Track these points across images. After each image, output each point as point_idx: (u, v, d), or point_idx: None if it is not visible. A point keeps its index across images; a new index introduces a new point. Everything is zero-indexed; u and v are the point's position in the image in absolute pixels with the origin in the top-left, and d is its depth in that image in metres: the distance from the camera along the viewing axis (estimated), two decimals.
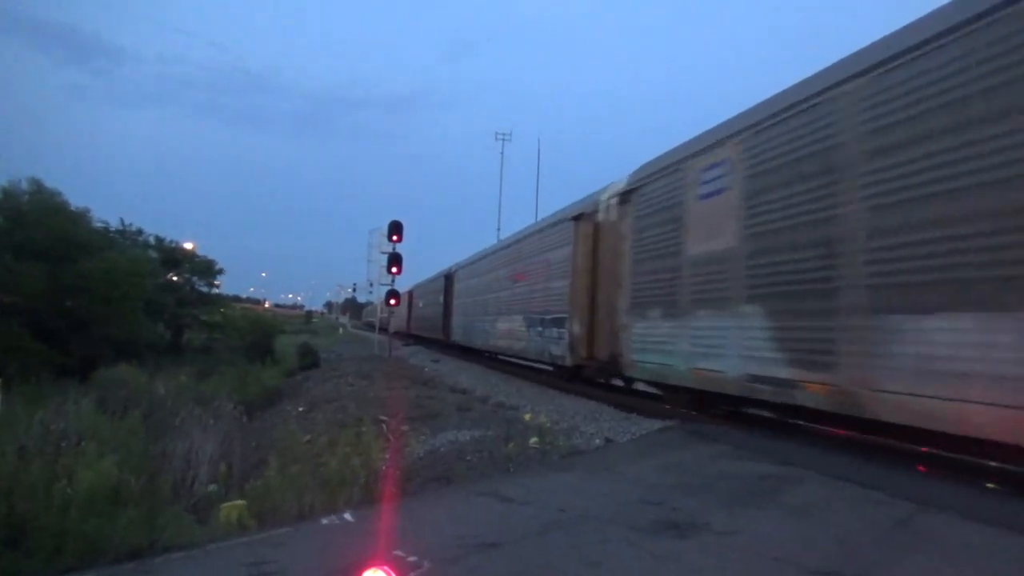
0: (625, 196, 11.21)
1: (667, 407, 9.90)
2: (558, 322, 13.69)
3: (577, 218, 13.05)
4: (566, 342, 13.10)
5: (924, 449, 6.53)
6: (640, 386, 11.76)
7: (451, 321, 27.35)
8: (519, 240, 18.51)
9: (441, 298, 29.54)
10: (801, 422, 8.42)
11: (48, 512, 5.93)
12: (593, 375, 13.04)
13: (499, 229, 42.29)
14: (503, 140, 48.20)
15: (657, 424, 8.66)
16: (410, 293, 42.51)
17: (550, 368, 15.32)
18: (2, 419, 10.98)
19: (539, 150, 47.73)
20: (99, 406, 12.37)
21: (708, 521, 4.31)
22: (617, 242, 11.31)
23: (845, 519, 4.39)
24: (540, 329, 15.05)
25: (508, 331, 18.04)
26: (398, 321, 47.97)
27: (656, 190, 10.19)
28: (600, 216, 12.35)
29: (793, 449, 6.85)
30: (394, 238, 23.67)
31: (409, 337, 42.20)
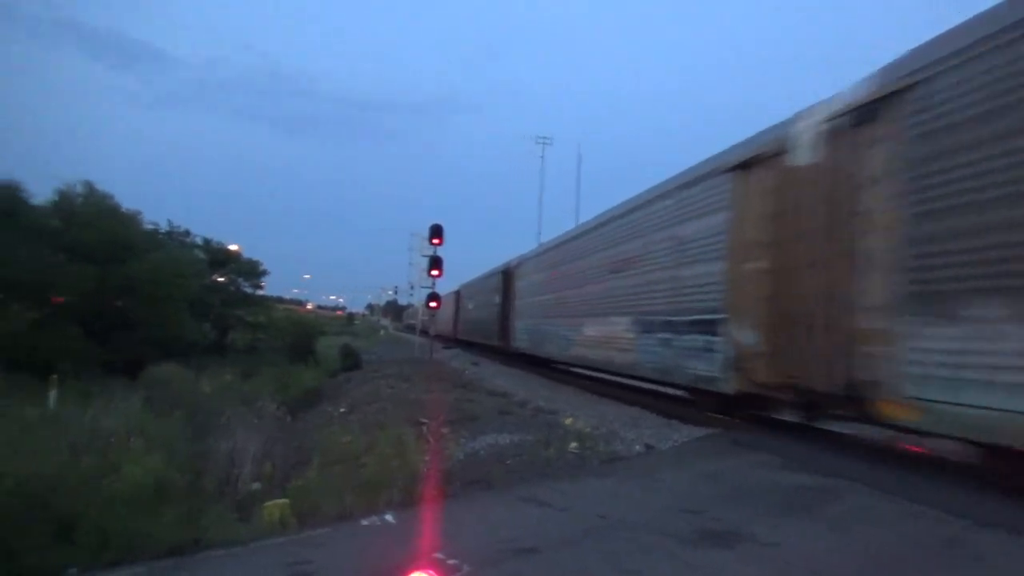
0: (870, 109, 6.66)
1: (710, 414, 9.68)
2: (703, 326, 9.32)
3: (744, 167, 8.83)
4: (720, 356, 8.74)
5: (976, 463, 6.29)
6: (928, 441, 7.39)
7: (512, 325, 23.52)
8: (621, 215, 13.68)
9: (497, 298, 25.94)
10: (846, 432, 8.20)
11: (95, 507, 6.07)
12: (783, 409, 8.64)
13: (539, 233, 42.23)
14: (543, 144, 48.17)
15: (699, 432, 8.53)
16: (457, 294, 39.71)
17: (682, 393, 11.02)
18: (54, 416, 11.31)
19: (579, 158, 47.61)
20: (146, 404, 12.68)
21: (749, 532, 4.21)
22: (843, 193, 7.01)
23: (890, 535, 4.26)
24: (664, 336, 10.67)
25: (603, 338, 13.70)
26: (442, 324, 44.65)
27: (978, 78, 5.39)
28: (794, 158, 7.92)
29: (837, 460, 6.67)
30: (435, 241, 23.76)
31: (456, 343, 38.41)
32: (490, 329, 27.11)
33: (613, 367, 13.38)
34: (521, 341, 21.74)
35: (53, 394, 14.21)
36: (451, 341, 39.80)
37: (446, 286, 39.81)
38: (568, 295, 16.56)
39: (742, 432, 8.37)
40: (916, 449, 7.26)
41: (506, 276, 25.13)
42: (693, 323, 9.65)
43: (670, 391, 11.93)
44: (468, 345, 34.28)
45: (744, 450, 7.14)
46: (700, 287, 9.55)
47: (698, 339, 9.45)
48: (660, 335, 10.83)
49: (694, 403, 10.33)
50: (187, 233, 37.58)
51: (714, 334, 8.94)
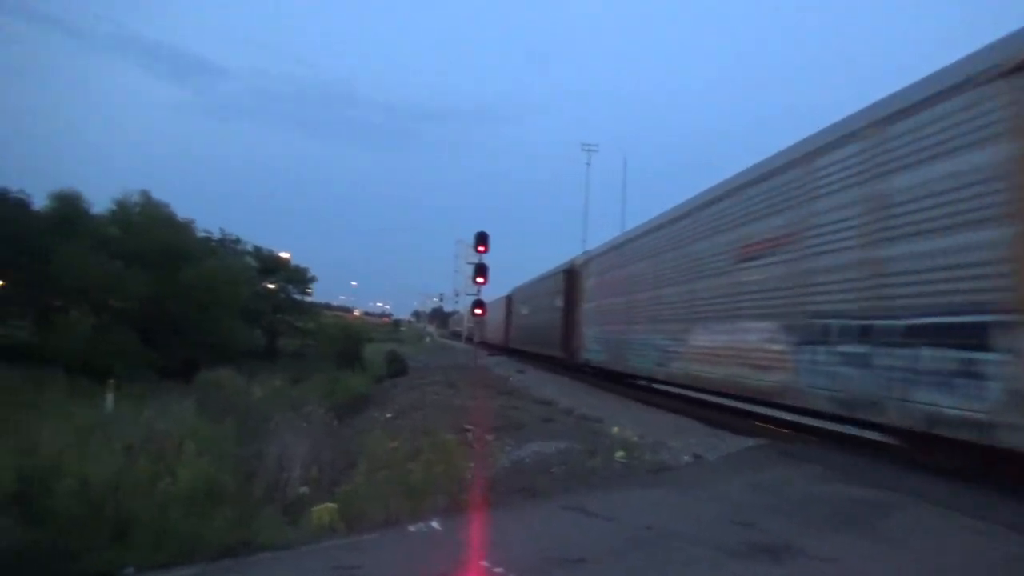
0: None
1: (757, 424, 9.53)
2: (955, 335, 5.97)
3: None
4: (1001, 388, 5.41)
5: None
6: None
7: (578, 333, 20.10)
8: (751, 183, 10.15)
9: (558, 301, 22.81)
10: (901, 443, 7.94)
11: (151, 508, 6.22)
12: None
13: (584, 240, 42.07)
14: (589, 151, 48.07)
15: (747, 442, 8.39)
16: (508, 299, 37.16)
17: (885, 438, 7.75)
18: (112, 418, 11.65)
19: (625, 165, 47.39)
20: (199, 407, 12.97)
21: (800, 546, 4.12)
22: None
23: (949, 551, 4.12)
24: (854, 350, 7.29)
25: (726, 350, 10.26)
26: (492, 332, 42.66)
27: None
28: None
29: (891, 473, 6.48)
30: (480, 248, 23.86)
31: (507, 352, 35.61)
32: (549, 337, 24.10)
33: (744, 389, 9.75)
34: (592, 352, 18.19)
35: (110, 398, 14.64)
36: (501, 350, 37.60)
37: (492, 293, 39.73)
38: (665, 294, 12.90)
39: (791, 443, 8.20)
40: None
41: (570, 276, 22.09)
42: (927, 330, 6.26)
43: (855, 430, 8.37)
44: (521, 355, 31.49)
45: (794, 461, 7.00)
46: (942, 271, 6.15)
47: (942, 356, 6.03)
48: (845, 348, 7.43)
49: (913, 453, 7.08)
50: (238, 241, 38.43)
51: (985, 348, 5.57)
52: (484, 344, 41.59)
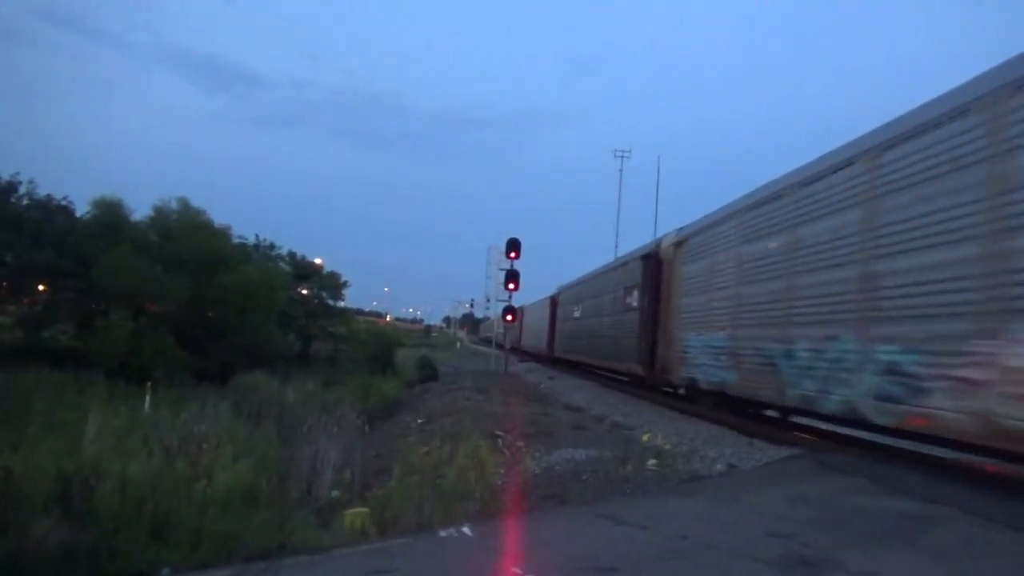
0: None
1: (794, 433, 9.36)
2: None
3: None
4: None
5: None
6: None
7: (673, 340, 13.98)
8: None
9: (632, 298, 17.13)
10: (946, 455, 7.73)
11: (188, 509, 6.31)
12: None
13: (616, 247, 41.82)
14: (622, 157, 47.86)
15: (783, 452, 8.25)
16: (552, 300, 31.98)
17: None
18: (150, 420, 11.86)
19: (658, 169, 47.01)
20: (235, 410, 13.15)
21: (842, 560, 4.02)
22: None
23: (998, 567, 4.00)
24: None
25: None
26: (531, 339, 38.75)
27: None
28: None
29: (937, 485, 6.30)
30: (512, 255, 23.96)
31: (554, 362, 30.53)
32: (618, 348, 18.01)
33: None
34: (703, 369, 12.18)
35: (148, 400, 14.92)
36: (545, 360, 32.68)
37: (523, 299, 39.49)
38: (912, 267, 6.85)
39: (829, 453, 8.05)
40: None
41: (650, 263, 16.05)
42: None
43: None
44: (572, 368, 26.17)
45: (833, 472, 6.86)
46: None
47: None
48: None
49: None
50: (272, 246, 38.97)
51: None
52: (523, 352, 40.58)
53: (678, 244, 14.47)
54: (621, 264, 19.99)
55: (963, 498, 5.64)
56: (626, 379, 17.93)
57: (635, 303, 16.73)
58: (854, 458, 7.75)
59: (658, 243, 16.21)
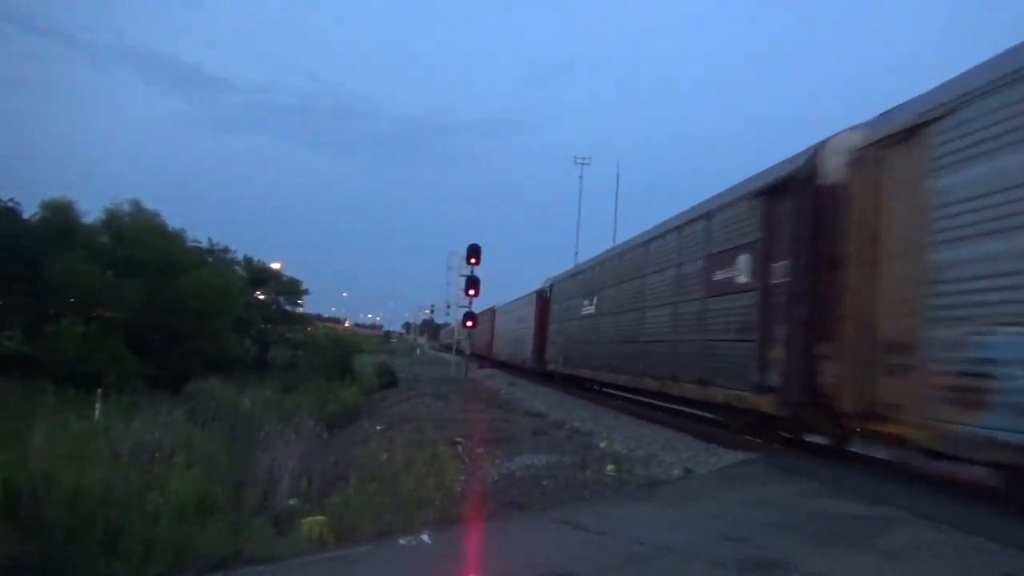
0: None
1: (749, 438, 9.50)
2: None
3: None
4: None
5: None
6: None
7: (865, 343, 6.92)
8: None
9: (740, 268, 9.69)
10: (893, 459, 7.95)
11: (141, 519, 6.18)
12: None
13: (576, 253, 42.03)
14: (582, 164, 48.28)
15: (739, 456, 8.39)
16: (540, 296, 25.60)
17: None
18: (100, 428, 11.57)
19: (618, 174, 47.33)
20: (189, 418, 12.90)
21: (796, 562, 4.10)
22: None
23: (947, 568, 4.13)
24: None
25: None
26: (507, 344, 33.21)
27: None
28: None
29: (887, 487, 6.48)
30: (472, 261, 23.97)
31: (545, 377, 23.66)
32: (701, 360, 10.78)
33: None
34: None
35: (98, 408, 14.54)
36: (530, 373, 26.46)
37: (483, 303, 39.15)
38: None
39: (784, 457, 8.21)
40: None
41: (798, 197, 8.27)
42: None
43: None
44: (574, 385, 19.98)
45: (787, 476, 7.00)
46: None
47: None
48: None
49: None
50: (226, 250, 38.35)
51: None
52: (497, 363, 35.97)
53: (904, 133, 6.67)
54: (702, 214, 11.39)
55: (912, 500, 5.81)
56: (723, 418, 10.51)
57: (749, 276, 9.35)
58: (807, 462, 7.92)
59: (818, 152, 8.05)
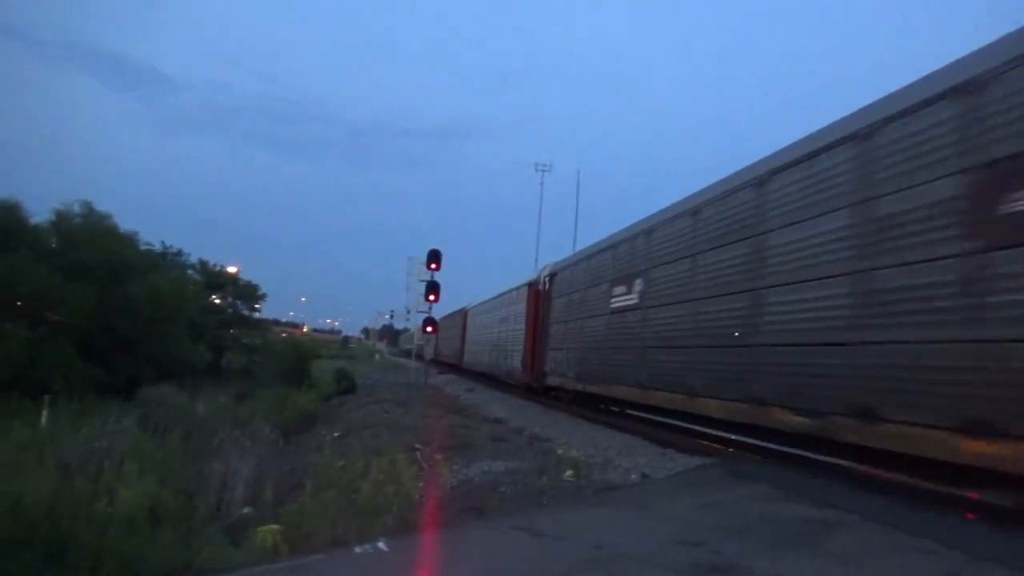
0: None
1: (704, 443, 9.64)
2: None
3: None
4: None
5: (975, 495, 6.20)
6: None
7: None
8: None
9: None
10: (843, 462, 8.11)
11: (89, 530, 6.01)
12: None
13: (536, 260, 42.04)
14: (543, 171, 48.40)
15: (695, 461, 8.50)
16: (534, 290, 20.10)
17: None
18: (47, 436, 11.22)
19: (578, 182, 47.54)
20: (141, 425, 12.59)
21: (749, 565, 4.17)
22: None
23: (892, 569, 4.24)
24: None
25: None
26: (483, 352, 28.33)
27: None
28: None
29: (836, 491, 6.63)
30: (432, 266, 23.89)
31: (544, 393, 18.12)
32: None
33: None
34: None
35: (45, 414, 14.10)
36: (522, 388, 20.52)
37: (444, 308, 38.86)
38: None
39: (738, 462, 8.34)
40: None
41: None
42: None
43: None
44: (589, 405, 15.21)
45: (741, 480, 7.11)
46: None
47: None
48: None
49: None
50: (179, 253, 37.53)
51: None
52: (473, 373, 31.00)
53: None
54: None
55: (862, 504, 5.93)
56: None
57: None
58: (760, 466, 8.06)
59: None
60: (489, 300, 28.70)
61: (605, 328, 13.81)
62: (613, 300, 13.52)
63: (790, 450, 8.64)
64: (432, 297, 24.24)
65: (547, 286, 18.75)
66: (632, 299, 12.63)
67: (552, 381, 17.08)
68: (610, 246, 14.39)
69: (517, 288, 22.71)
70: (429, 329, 26.64)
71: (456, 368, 35.92)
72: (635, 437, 11.03)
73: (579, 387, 14.96)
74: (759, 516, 5.52)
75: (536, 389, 18.66)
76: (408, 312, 38.25)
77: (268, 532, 6.39)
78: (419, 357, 33.18)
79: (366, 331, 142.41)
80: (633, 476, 7.83)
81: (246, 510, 8.61)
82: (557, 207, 48.83)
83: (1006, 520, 5.41)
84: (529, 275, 22.01)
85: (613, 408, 14.38)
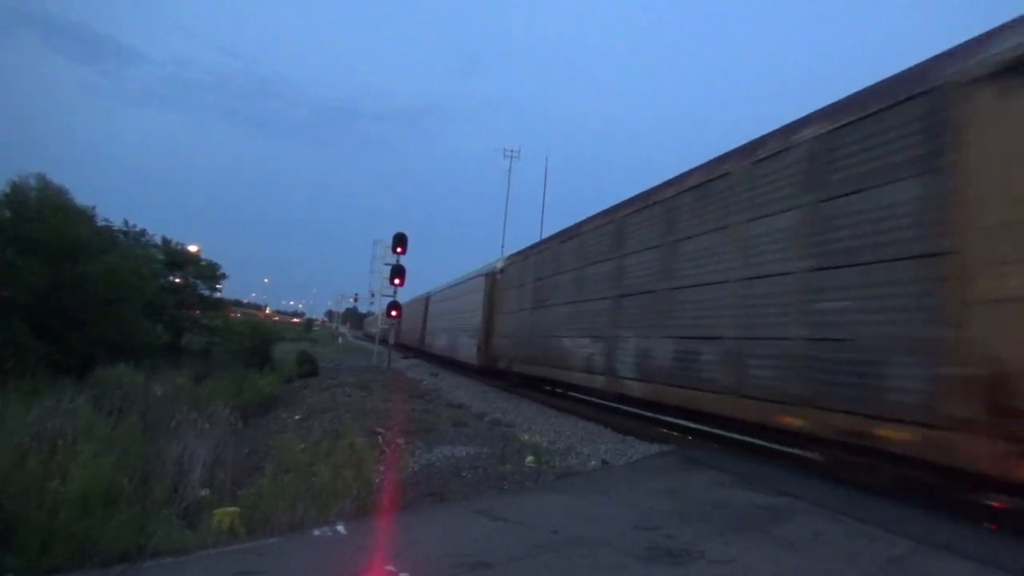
0: None
1: (664, 431, 9.80)
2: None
3: None
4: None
5: (925, 484, 6.42)
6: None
7: None
8: None
9: None
10: (797, 451, 8.31)
11: (39, 511, 5.89)
12: None
13: (503, 246, 42.06)
14: (511, 157, 48.26)
15: (654, 448, 8.63)
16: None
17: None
18: None
19: (546, 167, 47.57)
20: (95, 405, 12.35)
21: (702, 550, 4.27)
22: None
23: (839, 554, 4.35)
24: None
25: None
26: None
27: None
28: None
29: (790, 479, 6.77)
30: (399, 250, 23.79)
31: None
32: None
33: None
34: None
35: None
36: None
37: (410, 293, 38.76)
38: None
39: (695, 449, 8.47)
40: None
41: None
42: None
43: None
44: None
45: (698, 467, 7.22)
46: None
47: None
48: None
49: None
50: (142, 233, 36.77)
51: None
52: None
53: None
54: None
55: (812, 491, 6.08)
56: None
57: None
58: (715, 453, 8.20)
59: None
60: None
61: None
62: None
63: (746, 439, 8.83)
64: (397, 281, 24.17)
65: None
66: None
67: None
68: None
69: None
70: (394, 313, 26.54)
71: (418, 351, 36.78)
72: (598, 424, 11.14)
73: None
74: (713, 502, 5.63)
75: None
76: (372, 296, 37.88)
77: (225, 514, 6.33)
78: (383, 341, 33.05)
79: (330, 314, 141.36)
80: (593, 462, 7.92)
81: (203, 492, 8.51)
82: (527, 191, 48.82)
83: (956, 508, 5.61)
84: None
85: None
